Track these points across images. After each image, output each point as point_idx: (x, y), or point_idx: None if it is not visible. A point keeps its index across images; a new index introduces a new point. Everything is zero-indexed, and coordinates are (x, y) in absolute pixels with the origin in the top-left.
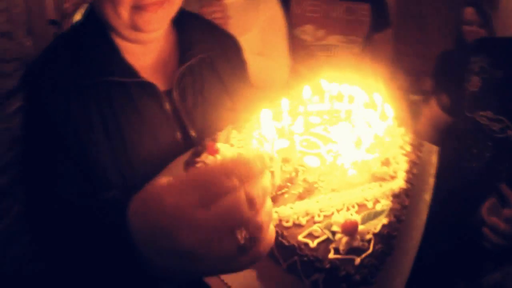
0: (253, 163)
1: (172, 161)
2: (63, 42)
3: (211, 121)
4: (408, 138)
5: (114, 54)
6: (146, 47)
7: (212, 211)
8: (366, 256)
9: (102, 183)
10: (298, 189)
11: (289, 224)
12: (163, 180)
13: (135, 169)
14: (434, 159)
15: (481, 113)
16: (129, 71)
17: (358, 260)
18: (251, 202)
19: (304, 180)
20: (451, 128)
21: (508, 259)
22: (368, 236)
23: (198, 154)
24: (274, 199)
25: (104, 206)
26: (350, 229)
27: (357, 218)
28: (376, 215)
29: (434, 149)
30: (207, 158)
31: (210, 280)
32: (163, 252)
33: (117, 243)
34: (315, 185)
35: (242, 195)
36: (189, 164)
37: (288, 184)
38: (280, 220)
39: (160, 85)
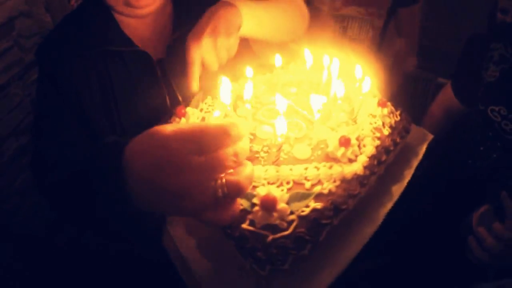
0: (241, 129)
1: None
2: (69, 19)
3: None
4: (391, 119)
5: (112, 27)
6: (142, 21)
7: (204, 159)
8: (282, 237)
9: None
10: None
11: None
12: (169, 127)
13: (126, 130)
14: (421, 148)
15: (494, 107)
16: (126, 41)
17: (270, 238)
18: (237, 159)
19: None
20: (462, 119)
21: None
22: (292, 217)
23: (169, 116)
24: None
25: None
26: (267, 204)
27: (284, 195)
28: (305, 196)
29: (427, 137)
30: (175, 121)
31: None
32: (153, 187)
33: (110, 178)
34: (257, 155)
35: (231, 151)
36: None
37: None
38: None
39: (155, 54)
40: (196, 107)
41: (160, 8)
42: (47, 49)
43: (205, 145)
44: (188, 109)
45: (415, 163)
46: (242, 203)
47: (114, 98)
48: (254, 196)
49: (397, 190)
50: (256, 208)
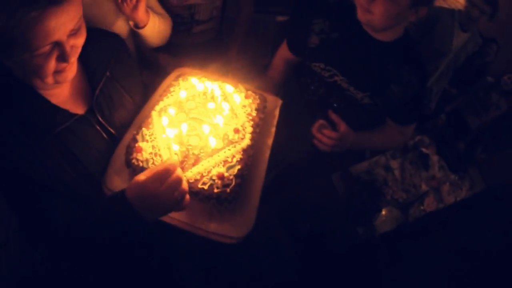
0: (175, 164)
1: (112, 157)
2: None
3: (124, 121)
4: (255, 105)
5: (47, 106)
6: (63, 86)
7: (165, 186)
8: (233, 186)
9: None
10: (191, 161)
11: (192, 180)
12: (142, 176)
13: (90, 171)
14: (276, 112)
15: (316, 64)
16: (63, 114)
17: (228, 190)
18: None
19: (193, 154)
20: (297, 67)
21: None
22: (231, 177)
23: (130, 152)
24: (182, 169)
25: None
26: (220, 176)
27: (223, 169)
28: (233, 165)
29: (278, 102)
30: (137, 155)
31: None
32: (151, 209)
33: (128, 212)
34: (199, 156)
35: (176, 176)
36: (129, 162)
37: (185, 159)
38: (188, 180)
39: (83, 106)
40: (143, 140)
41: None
42: None
43: (163, 178)
44: (141, 144)
45: (275, 122)
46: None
47: (68, 153)
48: (213, 175)
49: (270, 140)
50: (217, 180)
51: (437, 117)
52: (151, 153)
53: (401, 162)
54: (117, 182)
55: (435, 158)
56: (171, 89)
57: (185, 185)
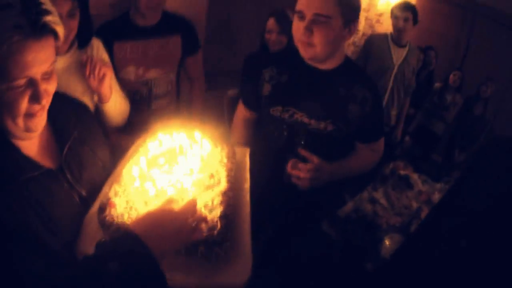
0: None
1: (84, 219)
2: None
3: (95, 183)
4: (224, 153)
5: (17, 154)
6: (34, 138)
7: (178, 210)
8: (219, 229)
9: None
10: None
11: None
12: (167, 207)
13: (58, 234)
14: (246, 159)
15: (273, 108)
16: (32, 164)
17: (215, 232)
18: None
19: None
20: (259, 121)
21: (359, 189)
22: (215, 219)
23: (103, 210)
24: None
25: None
26: (204, 219)
27: (205, 212)
28: (215, 207)
29: (246, 151)
30: (111, 211)
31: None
32: (161, 239)
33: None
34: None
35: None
36: (103, 220)
37: None
38: None
39: (50, 163)
40: (116, 196)
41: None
42: None
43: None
44: (115, 199)
45: (247, 167)
46: None
47: (40, 214)
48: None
49: (247, 184)
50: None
51: (402, 141)
52: (125, 207)
53: (383, 190)
54: (90, 246)
55: (415, 176)
56: (140, 149)
57: (199, 211)
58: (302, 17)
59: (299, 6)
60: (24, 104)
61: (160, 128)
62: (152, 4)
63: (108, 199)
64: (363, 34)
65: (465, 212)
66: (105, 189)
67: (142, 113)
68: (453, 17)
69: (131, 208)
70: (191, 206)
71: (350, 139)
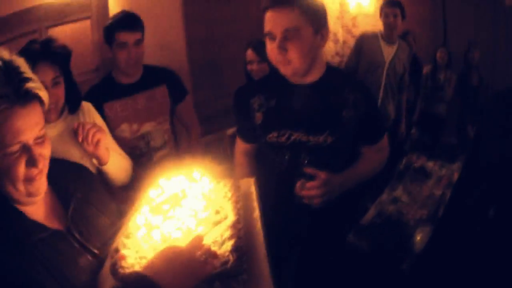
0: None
1: (99, 276)
2: None
3: (104, 239)
4: (228, 187)
5: (23, 219)
6: (37, 204)
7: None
8: (232, 262)
9: None
10: None
11: None
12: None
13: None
14: (252, 188)
15: (269, 136)
16: (39, 227)
17: (228, 266)
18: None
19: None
20: (259, 150)
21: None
22: (227, 253)
23: (114, 263)
24: None
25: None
26: (214, 255)
27: (215, 248)
28: (224, 241)
29: (251, 181)
30: (122, 263)
31: None
32: (182, 283)
33: None
34: None
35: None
36: (115, 272)
37: None
38: None
39: (57, 225)
40: (125, 247)
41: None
42: None
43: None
44: (124, 251)
45: (254, 197)
46: None
47: (54, 275)
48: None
49: (257, 213)
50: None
51: (409, 134)
52: (135, 257)
53: (403, 187)
54: None
55: (430, 164)
56: (143, 199)
57: (207, 245)
58: (272, 37)
59: (267, 27)
60: (21, 169)
61: (159, 175)
62: (131, 62)
63: (118, 251)
64: (344, 42)
65: (485, 177)
66: (115, 244)
67: (145, 167)
68: (424, 1)
69: (141, 258)
70: (197, 241)
71: (353, 145)
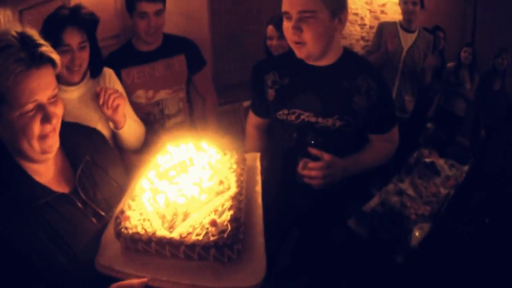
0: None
1: (103, 236)
2: None
3: (111, 202)
4: (233, 159)
5: (28, 180)
6: (47, 164)
7: None
8: (229, 231)
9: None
10: (180, 217)
11: (185, 234)
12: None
13: (74, 255)
14: (257, 163)
15: (279, 112)
16: (45, 191)
17: (225, 235)
18: None
19: (181, 211)
20: (270, 126)
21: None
22: (226, 223)
23: (119, 223)
24: (172, 227)
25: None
26: (213, 222)
27: (215, 216)
28: (224, 211)
29: (256, 156)
30: (126, 224)
31: None
32: None
33: None
34: (188, 212)
35: None
36: (119, 232)
37: (174, 217)
38: (181, 235)
39: (65, 187)
40: (130, 209)
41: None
42: None
43: None
44: (129, 213)
45: (258, 171)
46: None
47: (56, 238)
48: (205, 225)
49: (259, 188)
50: (211, 228)
51: (425, 127)
52: (139, 219)
53: (410, 181)
54: (108, 254)
55: (441, 161)
56: (150, 163)
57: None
58: (289, 17)
59: (284, 7)
60: (36, 127)
61: (169, 142)
62: (151, 31)
63: (123, 212)
64: (371, 27)
65: (487, 186)
66: (120, 205)
67: (158, 132)
68: None
69: (144, 220)
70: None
71: (362, 132)
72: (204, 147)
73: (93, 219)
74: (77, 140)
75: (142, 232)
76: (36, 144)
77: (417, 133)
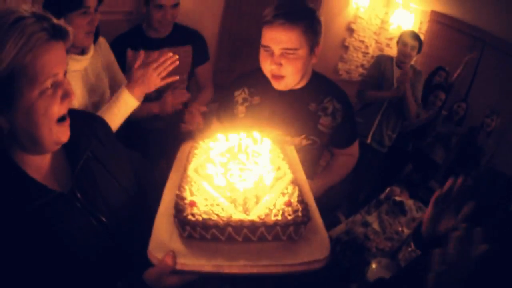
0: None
1: (154, 225)
2: None
3: (114, 208)
4: (278, 149)
5: (24, 179)
6: (46, 158)
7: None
8: (301, 210)
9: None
10: (253, 200)
11: (263, 216)
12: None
13: (72, 258)
14: (295, 153)
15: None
16: (41, 188)
17: (299, 214)
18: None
19: (252, 195)
20: None
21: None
22: (296, 203)
23: (182, 210)
24: (246, 210)
25: None
26: (288, 203)
27: (287, 198)
28: (293, 193)
29: (292, 148)
30: (193, 209)
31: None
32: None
33: None
34: (257, 195)
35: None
36: (184, 220)
37: (246, 200)
38: (259, 217)
39: (62, 184)
40: (192, 195)
41: None
42: None
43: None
44: (193, 198)
45: (298, 159)
46: None
47: (53, 242)
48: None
49: (303, 175)
50: (287, 208)
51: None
52: (206, 205)
53: (377, 214)
54: (168, 247)
55: (410, 202)
56: (195, 151)
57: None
58: (269, 51)
59: (266, 41)
60: (57, 107)
61: (216, 131)
62: (165, 22)
63: (184, 199)
64: (372, 57)
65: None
66: (167, 195)
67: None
68: (462, 45)
69: (212, 204)
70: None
71: (326, 147)
72: (257, 138)
73: (93, 221)
74: (80, 131)
75: (214, 217)
76: (55, 128)
77: (394, 169)
